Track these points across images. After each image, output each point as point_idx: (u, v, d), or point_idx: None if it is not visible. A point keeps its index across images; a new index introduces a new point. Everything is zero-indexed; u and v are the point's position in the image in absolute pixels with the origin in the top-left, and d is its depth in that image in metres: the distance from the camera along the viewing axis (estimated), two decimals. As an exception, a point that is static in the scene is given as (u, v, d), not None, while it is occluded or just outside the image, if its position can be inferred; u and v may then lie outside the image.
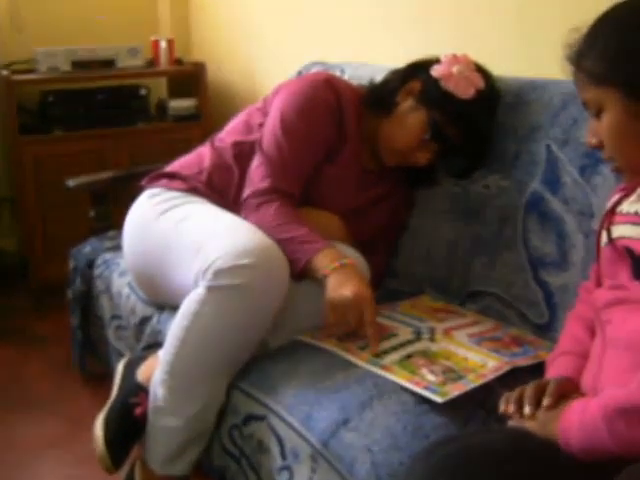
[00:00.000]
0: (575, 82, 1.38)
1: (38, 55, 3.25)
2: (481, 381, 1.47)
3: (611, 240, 1.32)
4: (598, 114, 1.33)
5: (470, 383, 1.46)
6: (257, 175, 1.90)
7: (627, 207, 1.31)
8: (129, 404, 1.76)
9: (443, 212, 2.00)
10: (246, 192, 1.89)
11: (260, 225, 1.78)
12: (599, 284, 1.38)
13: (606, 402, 1.13)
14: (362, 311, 1.65)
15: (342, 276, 1.68)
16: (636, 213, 1.27)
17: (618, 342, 1.25)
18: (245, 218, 1.84)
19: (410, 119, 1.90)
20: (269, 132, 1.93)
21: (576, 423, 1.16)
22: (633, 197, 1.30)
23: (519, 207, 1.82)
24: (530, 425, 1.22)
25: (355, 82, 2.12)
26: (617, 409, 1.11)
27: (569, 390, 1.30)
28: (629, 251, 1.27)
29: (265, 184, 1.87)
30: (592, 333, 1.39)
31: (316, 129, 1.93)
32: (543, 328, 1.74)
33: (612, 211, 1.34)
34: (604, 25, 1.33)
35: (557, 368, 1.38)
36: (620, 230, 1.30)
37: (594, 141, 1.36)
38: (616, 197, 1.35)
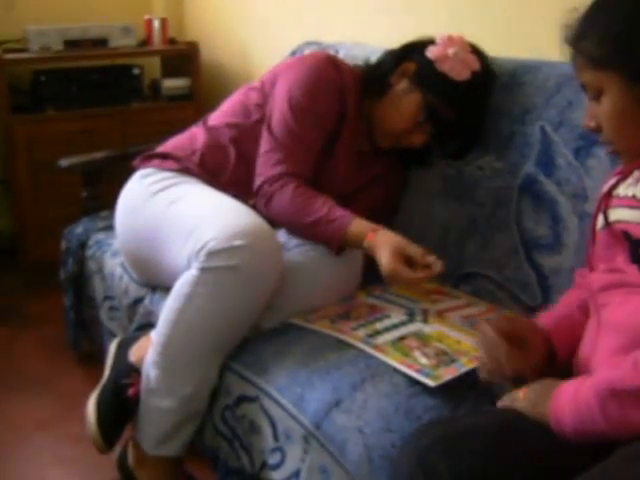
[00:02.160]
0: (573, 64, 1.37)
1: (30, 34, 3.22)
2: (474, 364, 1.46)
3: (608, 224, 1.31)
4: (597, 97, 1.32)
5: (463, 367, 1.46)
6: (268, 161, 1.87)
7: (624, 190, 1.30)
8: (121, 385, 1.77)
9: (437, 193, 2.00)
10: (258, 180, 1.86)
11: (280, 214, 1.80)
12: (592, 268, 1.38)
13: (599, 384, 1.13)
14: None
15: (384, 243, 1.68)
16: (634, 196, 1.27)
17: (614, 324, 1.25)
18: (262, 209, 1.82)
19: (405, 101, 1.88)
20: (278, 115, 1.91)
21: (568, 404, 1.16)
22: (630, 180, 1.30)
23: (513, 189, 1.81)
24: (521, 406, 1.22)
25: (350, 62, 2.11)
26: (610, 391, 1.11)
27: (525, 328, 1.37)
28: (626, 234, 1.27)
29: (277, 170, 1.84)
30: (583, 311, 1.40)
31: (323, 109, 1.92)
32: (536, 310, 1.73)
33: (609, 194, 1.33)
34: (603, 7, 1.32)
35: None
36: (617, 213, 1.30)
37: (592, 124, 1.36)
38: (613, 180, 1.35)
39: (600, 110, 1.33)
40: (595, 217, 1.36)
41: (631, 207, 1.26)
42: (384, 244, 1.67)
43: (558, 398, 1.18)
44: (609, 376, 1.13)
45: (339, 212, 1.76)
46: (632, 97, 1.28)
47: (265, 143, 1.90)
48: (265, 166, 1.87)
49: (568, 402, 1.16)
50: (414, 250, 1.65)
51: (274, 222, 1.79)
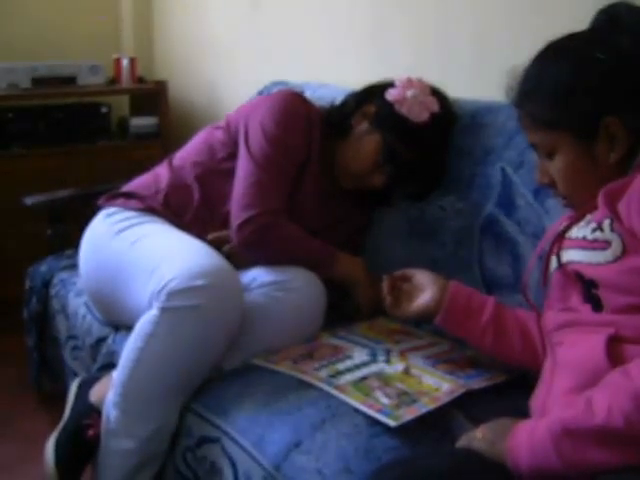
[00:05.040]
0: (521, 124, 1.41)
1: (-3, 71, 3.22)
2: (435, 404, 1.46)
3: (561, 265, 1.33)
4: (550, 155, 1.35)
5: (423, 407, 1.45)
6: (250, 198, 1.84)
7: (576, 232, 1.32)
8: (81, 425, 1.74)
9: (400, 233, 2.01)
10: (241, 216, 1.83)
11: (275, 250, 1.84)
12: (548, 308, 1.40)
13: (553, 424, 1.14)
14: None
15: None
16: (584, 238, 1.29)
17: (568, 364, 1.26)
18: (246, 245, 1.83)
19: (365, 143, 1.91)
20: (255, 150, 1.89)
21: (524, 444, 1.16)
22: (582, 223, 1.32)
23: (475, 229, 1.83)
24: (478, 445, 1.22)
25: (316, 102, 2.13)
26: (563, 430, 1.11)
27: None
28: (579, 275, 1.28)
29: (261, 208, 1.82)
30: (521, 329, 1.51)
31: (294, 139, 1.93)
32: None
33: (562, 236, 1.36)
34: (543, 66, 1.36)
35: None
36: (569, 255, 1.32)
37: (546, 180, 1.39)
38: (565, 223, 1.37)
39: (553, 168, 1.36)
40: (547, 258, 1.38)
41: (582, 248, 1.29)
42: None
43: (514, 438, 1.18)
44: (562, 416, 1.14)
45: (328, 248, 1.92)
46: (584, 154, 1.31)
47: (243, 179, 1.87)
48: (247, 203, 1.84)
49: (524, 442, 1.16)
50: None
51: (262, 251, 1.84)
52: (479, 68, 2.15)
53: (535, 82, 1.36)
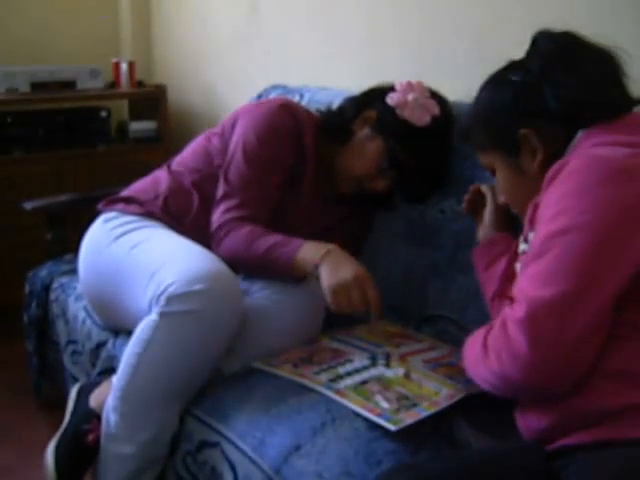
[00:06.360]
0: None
1: (-4, 75, 3.22)
2: (435, 409, 1.46)
3: None
4: (493, 175, 1.47)
5: (424, 411, 1.45)
6: (222, 207, 1.89)
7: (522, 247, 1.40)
8: (81, 431, 1.74)
9: (399, 236, 2.01)
10: (213, 225, 1.88)
11: (234, 250, 1.81)
12: None
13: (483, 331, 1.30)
14: (365, 289, 1.65)
15: (333, 261, 1.69)
16: (523, 252, 1.36)
17: None
18: (217, 249, 1.83)
19: (367, 148, 1.91)
20: (232, 161, 1.92)
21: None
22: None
23: (474, 231, 1.82)
24: None
25: (314, 105, 2.13)
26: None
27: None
28: None
29: (230, 215, 1.86)
30: None
31: (278, 154, 1.93)
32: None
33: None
34: (477, 95, 1.50)
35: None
36: (517, 269, 1.39)
37: (502, 199, 1.53)
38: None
39: (498, 186, 1.49)
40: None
41: (520, 262, 1.36)
42: (347, 255, 1.71)
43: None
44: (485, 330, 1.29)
45: (294, 239, 1.78)
46: (515, 169, 1.41)
47: (220, 190, 1.92)
48: (220, 212, 1.88)
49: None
50: None
51: (233, 266, 1.78)
52: (477, 71, 2.14)
53: (470, 111, 1.50)
